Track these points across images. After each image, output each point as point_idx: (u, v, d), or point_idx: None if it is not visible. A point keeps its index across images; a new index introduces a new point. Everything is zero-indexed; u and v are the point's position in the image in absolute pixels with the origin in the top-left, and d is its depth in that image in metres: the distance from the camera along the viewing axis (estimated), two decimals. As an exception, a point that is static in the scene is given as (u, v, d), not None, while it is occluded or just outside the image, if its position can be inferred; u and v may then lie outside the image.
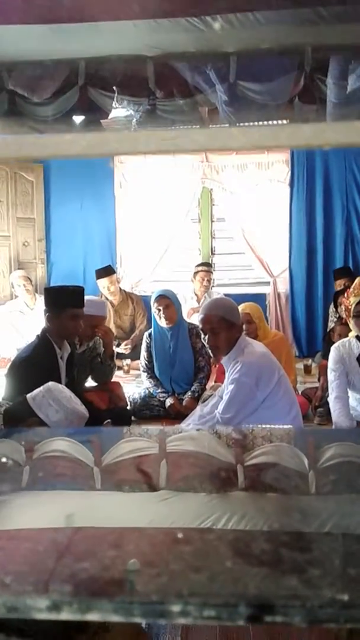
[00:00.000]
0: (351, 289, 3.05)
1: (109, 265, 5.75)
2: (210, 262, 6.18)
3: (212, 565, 1.53)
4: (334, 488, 1.98)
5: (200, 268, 5.76)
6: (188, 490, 2.03)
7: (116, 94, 3.48)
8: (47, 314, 3.19)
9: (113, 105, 3.62)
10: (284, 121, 3.98)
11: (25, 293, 5.56)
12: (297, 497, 2.02)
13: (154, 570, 1.55)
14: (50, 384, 2.51)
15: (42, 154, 0.63)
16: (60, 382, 3.04)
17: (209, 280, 5.71)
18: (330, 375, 3.11)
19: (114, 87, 3.48)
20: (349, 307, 3.03)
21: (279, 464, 2.15)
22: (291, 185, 5.91)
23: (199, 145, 0.58)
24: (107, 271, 5.60)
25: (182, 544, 1.74)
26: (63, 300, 3.19)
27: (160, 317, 3.95)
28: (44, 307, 3.29)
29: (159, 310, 3.95)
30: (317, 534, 1.73)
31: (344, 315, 3.16)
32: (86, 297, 3.42)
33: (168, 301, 3.97)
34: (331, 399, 3.09)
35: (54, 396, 2.42)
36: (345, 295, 3.09)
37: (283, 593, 1.04)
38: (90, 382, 3.95)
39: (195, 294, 5.70)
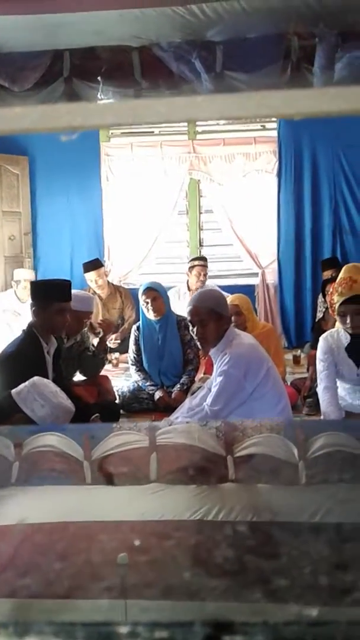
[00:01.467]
0: (335, 286, 3.03)
1: (97, 259, 5.71)
2: (196, 253, 6.15)
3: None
4: (324, 478, 1.98)
5: (196, 262, 5.68)
6: (178, 482, 2.02)
7: (101, 85, 3.44)
8: (33, 308, 3.16)
9: (98, 96, 3.58)
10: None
11: (25, 293, 5.39)
12: (287, 487, 2.02)
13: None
14: (36, 378, 2.49)
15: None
16: (47, 376, 3.02)
17: (205, 275, 5.64)
18: (319, 366, 3.11)
19: (99, 78, 3.44)
20: (334, 305, 3.02)
21: (269, 455, 2.16)
22: (279, 175, 5.90)
23: (161, 116, 0.56)
24: (94, 264, 5.56)
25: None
26: (50, 295, 3.16)
27: (148, 310, 3.94)
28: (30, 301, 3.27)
29: (147, 302, 3.94)
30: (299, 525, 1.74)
31: (331, 309, 3.15)
32: (74, 292, 3.39)
33: (156, 293, 3.96)
34: (320, 389, 3.10)
35: (39, 391, 2.40)
36: (331, 289, 3.08)
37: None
38: (78, 377, 3.94)
39: (189, 289, 5.66)
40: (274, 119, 5.89)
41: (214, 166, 6.00)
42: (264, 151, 5.96)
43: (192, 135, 6.08)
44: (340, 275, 3.10)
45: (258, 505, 1.87)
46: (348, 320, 2.97)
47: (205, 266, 5.69)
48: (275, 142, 5.86)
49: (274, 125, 5.90)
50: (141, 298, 3.98)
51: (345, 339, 3.07)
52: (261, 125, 6.13)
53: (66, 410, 2.46)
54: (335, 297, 3.00)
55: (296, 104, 0.55)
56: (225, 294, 3.93)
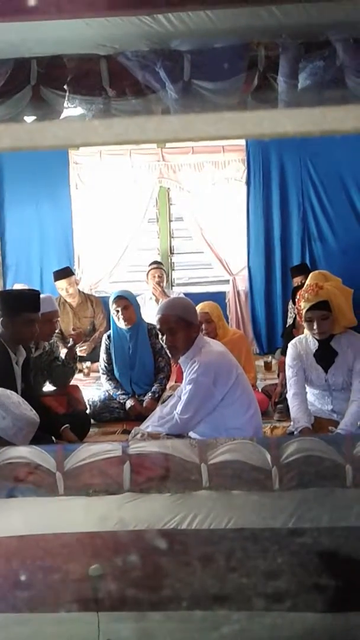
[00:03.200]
0: (302, 292, 3.06)
1: (67, 267, 5.67)
2: (167, 261, 6.17)
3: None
4: (297, 483, 1.99)
5: (151, 267, 5.77)
6: (152, 491, 2.01)
7: (68, 93, 3.43)
8: (1, 319, 3.12)
9: (64, 105, 3.56)
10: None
11: None
12: (261, 493, 2.02)
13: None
14: None
15: None
16: (15, 387, 2.98)
17: (160, 277, 5.70)
18: (288, 372, 3.14)
19: (65, 87, 3.42)
20: (301, 311, 3.05)
21: (242, 461, 2.16)
22: (248, 183, 5.95)
23: (126, 135, 0.56)
24: (65, 273, 5.52)
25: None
26: (18, 305, 3.12)
27: (119, 319, 3.92)
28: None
29: (118, 311, 3.92)
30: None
31: (298, 316, 3.18)
32: None
33: (126, 302, 3.95)
34: (289, 395, 3.12)
35: (0, 402, 2.36)
36: (298, 296, 3.10)
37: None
38: (48, 387, 3.89)
39: (153, 294, 5.69)
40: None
41: (183, 174, 6.03)
42: (233, 159, 6.01)
43: (161, 144, 6.10)
44: (307, 282, 3.13)
45: (232, 512, 1.87)
46: (315, 326, 3.00)
47: (159, 269, 5.74)
48: (244, 150, 5.91)
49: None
50: (112, 307, 3.96)
51: (314, 345, 3.10)
52: (229, 134, 6.18)
53: (30, 422, 2.42)
54: (302, 303, 3.03)
55: (260, 124, 0.56)
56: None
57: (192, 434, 2.88)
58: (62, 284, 5.47)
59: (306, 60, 3.22)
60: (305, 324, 3.07)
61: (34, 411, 2.50)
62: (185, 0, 3.06)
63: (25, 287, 5.37)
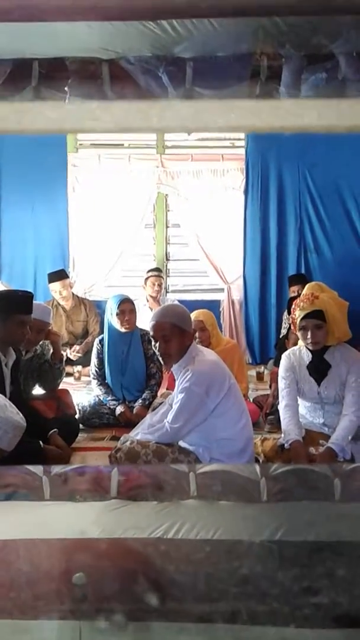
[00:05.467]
0: (298, 302, 3.06)
1: (62, 269, 5.65)
2: (162, 267, 6.17)
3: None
4: (285, 495, 1.98)
5: (150, 273, 5.76)
6: (139, 499, 1.99)
7: (68, 95, 3.41)
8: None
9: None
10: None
11: None
12: (248, 504, 2.01)
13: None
14: None
15: None
16: (4, 390, 2.95)
17: (159, 285, 5.70)
18: (281, 383, 3.12)
19: (66, 89, 3.41)
20: (295, 320, 3.05)
21: (231, 471, 2.14)
22: (245, 193, 5.96)
23: (125, 123, 0.54)
24: (59, 275, 5.51)
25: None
26: (10, 306, 3.08)
27: (122, 322, 3.88)
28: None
29: (123, 314, 3.88)
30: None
31: (293, 326, 3.18)
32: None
33: (132, 306, 3.94)
34: (281, 407, 3.10)
35: None
36: (294, 305, 3.10)
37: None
38: (38, 390, 3.85)
39: (148, 299, 5.67)
40: (242, 137, 5.97)
41: (181, 181, 6.04)
42: (232, 168, 6.02)
43: (160, 150, 6.10)
44: (303, 292, 3.14)
45: (219, 523, 1.85)
46: (309, 335, 2.99)
47: (159, 277, 5.74)
48: (243, 159, 5.93)
49: (242, 143, 5.97)
50: (114, 309, 3.90)
51: (307, 357, 3.09)
52: (230, 143, 6.19)
53: (15, 425, 2.39)
54: (297, 312, 3.03)
55: (260, 116, 0.54)
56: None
57: (182, 443, 2.86)
58: (56, 286, 5.45)
59: (309, 72, 3.22)
60: (299, 333, 3.07)
61: (21, 415, 2.47)
62: (189, 8, 3.06)
63: (7, 286, 5.34)
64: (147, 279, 5.73)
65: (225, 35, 3.18)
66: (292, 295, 5.12)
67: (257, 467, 2.11)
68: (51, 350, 3.72)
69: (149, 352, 3.93)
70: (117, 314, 3.88)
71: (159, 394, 4.00)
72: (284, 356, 3.19)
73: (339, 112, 0.64)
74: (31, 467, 2.01)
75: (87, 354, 4.95)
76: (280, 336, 5.31)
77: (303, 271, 5.94)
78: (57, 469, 2.10)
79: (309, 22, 3.02)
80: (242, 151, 5.94)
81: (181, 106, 0.57)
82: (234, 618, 1.48)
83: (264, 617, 1.48)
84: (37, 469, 2.01)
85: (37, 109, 0.57)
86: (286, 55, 3.25)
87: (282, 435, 3.02)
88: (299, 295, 3.37)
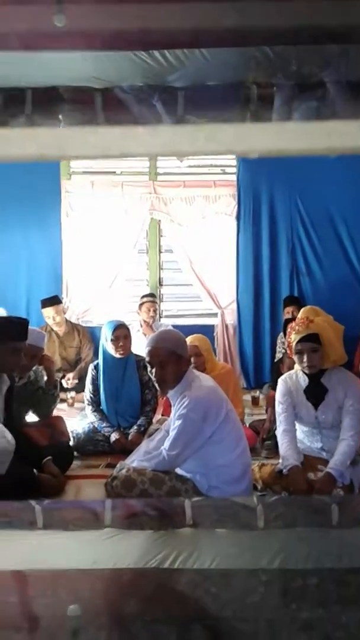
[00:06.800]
0: (293, 325, 3.07)
1: (56, 295, 5.65)
2: (156, 292, 6.17)
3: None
4: (282, 522, 1.95)
5: (145, 299, 5.75)
6: (134, 528, 1.96)
7: (62, 124, 3.45)
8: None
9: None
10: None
11: None
12: (245, 532, 1.97)
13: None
14: None
15: None
16: (-2, 417, 2.92)
17: (154, 311, 5.70)
18: (278, 408, 3.10)
19: (60, 117, 3.45)
20: (291, 344, 3.05)
21: (228, 499, 2.11)
22: (238, 218, 6.00)
23: (115, 149, 0.54)
24: (53, 301, 5.50)
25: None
26: (5, 333, 3.07)
27: (117, 348, 3.86)
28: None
29: (118, 339, 3.86)
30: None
31: (289, 349, 3.18)
32: None
33: (127, 332, 3.93)
34: (279, 432, 3.08)
35: None
36: (289, 329, 3.11)
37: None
38: (32, 417, 3.81)
39: (142, 324, 5.66)
40: (233, 164, 6.03)
41: (174, 207, 6.08)
42: (224, 194, 6.07)
43: (153, 177, 6.16)
44: (299, 316, 3.15)
45: (216, 551, 1.81)
46: (305, 359, 2.99)
47: (154, 302, 5.74)
48: (235, 185, 5.98)
49: (234, 169, 6.03)
50: (109, 335, 3.88)
51: (304, 381, 3.08)
52: (221, 170, 6.26)
53: (3, 451, 2.36)
54: (293, 335, 3.03)
55: (248, 140, 0.54)
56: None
57: (179, 471, 2.82)
58: (49, 311, 5.44)
59: (300, 100, 3.27)
60: (295, 357, 3.06)
61: (9, 438, 2.44)
62: (180, 39, 3.12)
63: (3, 311, 5.33)
64: (141, 304, 5.73)
65: (217, 64, 3.24)
66: (287, 316, 5.14)
67: (254, 497, 2.08)
68: (45, 377, 3.70)
69: (144, 378, 3.90)
70: (111, 340, 3.86)
71: (154, 420, 3.96)
72: (280, 380, 3.18)
73: (328, 135, 0.64)
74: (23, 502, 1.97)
75: (80, 380, 4.92)
76: (275, 360, 5.30)
77: (296, 294, 5.96)
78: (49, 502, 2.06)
79: (299, 52, 3.09)
80: (234, 177, 6.00)
81: (173, 131, 0.57)
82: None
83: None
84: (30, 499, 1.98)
85: (26, 134, 0.57)
86: (277, 84, 3.31)
87: (280, 460, 2.99)
88: (294, 316, 3.37)
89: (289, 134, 0.59)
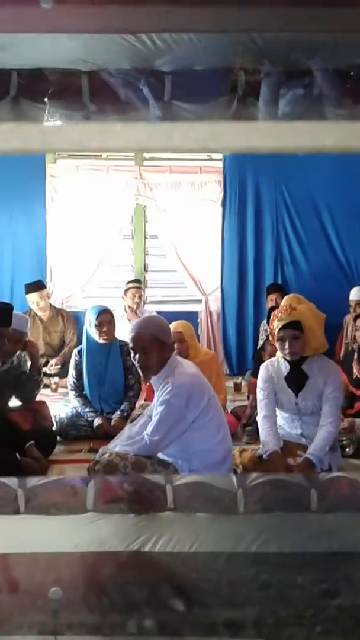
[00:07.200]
0: (276, 313, 3.09)
1: (40, 280, 5.62)
2: (141, 278, 6.17)
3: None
4: (262, 506, 1.98)
5: (130, 285, 5.74)
6: (116, 512, 1.97)
7: (48, 106, 3.42)
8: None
9: (44, 118, 3.55)
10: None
11: None
12: (226, 516, 2.00)
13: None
14: None
15: None
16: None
17: (139, 296, 5.69)
18: (259, 394, 3.14)
19: (46, 100, 3.42)
20: (273, 331, 3.08)
21: (208, 483, 2.14)
22: (223, 205, 6.00)
23: (106, 143, 0.55)
24: (37, 286, 5.47)
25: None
26: (-12, 318, 3.06)
27: (100, 333, 3.86)
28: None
29: (101, 324, 3.86)
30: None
31: (271, 336, 3.20)
32: None
33: (111, 317, 3.92)
34: (259, 418, 3.11)
35: None
36: (272, 316, 3.13)
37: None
38: (14, 402, 3.80)
39: (126, 310, 5.65)
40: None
41: (160, 192, 6.06)
42: (210, 180, 6.06)
43: (139, 161, 6.12)
44: (282, 303, 3.18)
45: (197, 535, 1.84)
46: (286, 346, 3.02)
47: (139, 288, 5.73)
48: (221, 172, 5.98)
49: (220, 156, 6.02)
50: (93, 320, 3.88)
51: (285, 368, 3.11)
52: (207, 156, 6.24)
53: None
54: (275, 322, 3.05)
55: (223, 137, 0.55)
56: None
57: (161, 455, 2.84)
58: (33, 297, 5.41)
59: (286, 88, 3.27)
60: (277, 344, 3.09)
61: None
62: (168, 22, 3.09)
63: None
64: (127, 290, 5.72)
65: (204, 49, 3.22)
66: (271, 304, 5.17)
67: (234, 478, 2.11)
68: (29, 362, 3.69)
69: (127, 364, 3.91)
70: (95, 325, 3.86)
71: (137, 405, 3.98)
72: (262, 367, 3.21)
73: (295, 134, 0.66)
74: (6, 480, 1.98)
75: (64, 366, 4.92)
76: (258, 347, 5.34)
77: (280, 282, 5.99)
78: (32, 481, 2.07)
79: (287, 39, 3.08)
80: (220, 164, 5.99)
81: (150, 128, 0.58)
82: (213, 631, 1.47)
83: (242, 629, 1.47)
84: (12, 481, 1.99)
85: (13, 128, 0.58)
86: (265, 71, 3.30)
87: (261, 446, 3.03)
88: (277, 304, 3.40)
89: (261, 133, 0.60)
